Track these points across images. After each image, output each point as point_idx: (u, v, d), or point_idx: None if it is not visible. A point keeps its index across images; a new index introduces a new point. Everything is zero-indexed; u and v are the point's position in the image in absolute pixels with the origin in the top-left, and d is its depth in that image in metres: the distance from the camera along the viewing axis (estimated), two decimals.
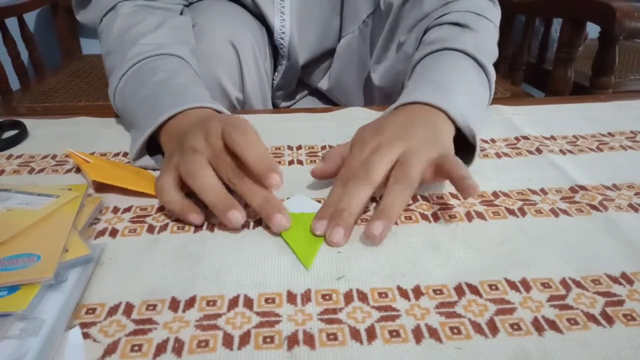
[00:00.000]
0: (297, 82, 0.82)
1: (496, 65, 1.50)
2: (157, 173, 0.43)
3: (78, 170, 0.49)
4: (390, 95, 0.70)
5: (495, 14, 0.61)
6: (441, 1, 0.60)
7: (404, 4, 0.63)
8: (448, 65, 0.52)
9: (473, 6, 0.58)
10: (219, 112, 0.47)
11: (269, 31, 0.72)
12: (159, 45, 0.55)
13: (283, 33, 0.71)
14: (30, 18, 1.44)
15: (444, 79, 0.50)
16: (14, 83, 1.11)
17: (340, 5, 0.73)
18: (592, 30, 1.08)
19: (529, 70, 1.27)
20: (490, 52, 0.56)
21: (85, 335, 0.29)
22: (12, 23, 1.15)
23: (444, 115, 0.45)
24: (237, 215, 0.37)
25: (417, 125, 0.44)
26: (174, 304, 0.32)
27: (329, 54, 0.78)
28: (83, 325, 0.30)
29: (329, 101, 0.85)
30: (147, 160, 0.49)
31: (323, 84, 0.82)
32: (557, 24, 1.27)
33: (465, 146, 0.47)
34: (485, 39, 0.57)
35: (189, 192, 0.40)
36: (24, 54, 1.16)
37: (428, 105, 0.45)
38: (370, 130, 0.44)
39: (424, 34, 0.59)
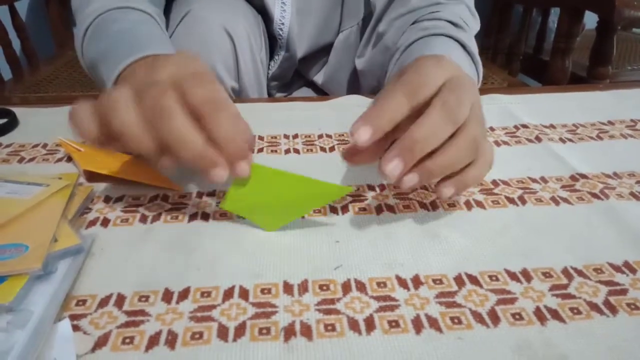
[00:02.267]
0: (293, 74, 0.80)
1: (493, 55, 1.49)
2: None
3: (69, 159, 0.47)
4: (374, 88, 0.69)
5: (475, 25, 0.61)
6: (430, 0, 0.59)
7: (390, 2, 0.62)
8: (452, 49, 0.51)
9: (459, 14, 0.58)
10: None
11: (266, 20, 0.71)
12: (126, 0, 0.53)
13: (282, 24, 0.70)
14: (22, 7, 1.42)
15: (451, 54, 0.48)
16: (6, 73, 1.10)
17: None
18: (589, 21, 1.08)
19: (525, 60, 1.27)
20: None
21: (75, 328, 0.28)
22: (2, 12, 1.13)
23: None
24: (222, 173, 0.32)
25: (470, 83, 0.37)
26: (167, 295, 0.31)
27: (327, 47, 0.77)
28: (73, 317, 0.29)
29: (324, 94, 0.84)
30: None
31: (318, 78, 0.81)
32: (554, 14, 1.26)
33: None
34: (474, 43, 0.56)
35: None
36: (16, 44, 1.14)
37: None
38: (442, 59, 0.35)
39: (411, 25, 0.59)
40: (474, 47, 0.53)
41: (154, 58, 0.38)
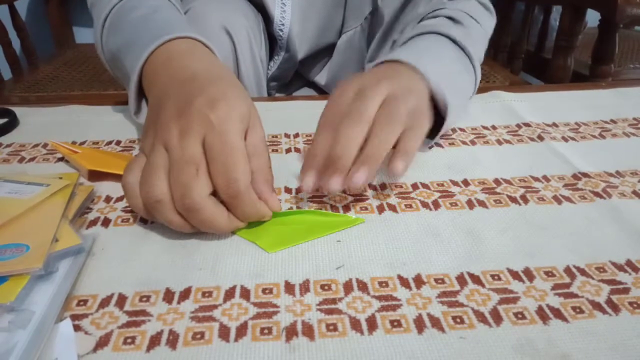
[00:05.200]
0: (293, 75, 0.80)
1: (495, 54, 1.49)
2: None
3: (66, 160, 0.47)
4: None
5: (489, 22, 0.59)
6: (436, 5, 0.58)
7: (403, 8, 0.61)
8: (433, 43, 0.50)
9: (468, 9, 0.57)
10: (209, 48, 0.45)
11: (266, 20, 0.70)
12: None
13: (282, 25, 0.69)
14: (22, 7, 1.42)
15: (426, 49, 0.49)
16: (6, 72, 1.10)
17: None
18: (591, 19, 1.07)
19: (527, 59, 1.26)
20: (477, 49, 0.53)
21: (77, 328, 0.28)
22: (2, 12, 1.13)
23: (421, 76, 0.43)
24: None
25: (399, 74, 0.42)
26: (168, 295, 0.31)
27: (329, 48, 0.76)
28: (74, 317, 0.29)
29: (325, 95, 0.83)
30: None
31: (320, 79, 0.80)
32: (556, 12, 1.26)
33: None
34: (473, 37, 0.54)
35: None
36: (16, 43, 1.14)
37: (406, 64, 0.44)
38: (350, 80, 0.41)
39: None
40: (467, 41, 0.51)
41: (193, 78, 0.38)
